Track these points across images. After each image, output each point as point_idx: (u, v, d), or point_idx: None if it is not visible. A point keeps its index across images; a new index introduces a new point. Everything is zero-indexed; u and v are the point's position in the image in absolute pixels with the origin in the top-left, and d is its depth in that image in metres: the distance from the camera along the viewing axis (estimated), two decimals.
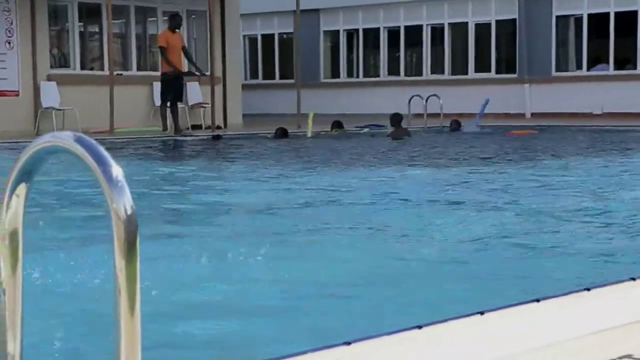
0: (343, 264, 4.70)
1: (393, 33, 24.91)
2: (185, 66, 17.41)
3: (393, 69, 24.99)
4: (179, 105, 16.97)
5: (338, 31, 25.80)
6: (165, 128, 16.58)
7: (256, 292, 4.07)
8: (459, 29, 23.96)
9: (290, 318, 3.64)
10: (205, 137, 16.00)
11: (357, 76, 25.67)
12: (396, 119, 15.82)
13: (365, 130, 17.42)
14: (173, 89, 16.45)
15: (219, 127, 18.04)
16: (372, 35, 25.32)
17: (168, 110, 16.76)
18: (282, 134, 15.82)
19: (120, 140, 14.47)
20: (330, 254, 4.99)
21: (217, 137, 15.83)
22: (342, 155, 12.24)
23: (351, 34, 25.77)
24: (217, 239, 5.53)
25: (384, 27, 24.99)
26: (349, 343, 2.53)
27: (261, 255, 4.72)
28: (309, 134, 16.18)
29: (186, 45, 17.28)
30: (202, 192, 8.32)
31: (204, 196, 7.92)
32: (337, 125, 17.16)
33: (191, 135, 16.20)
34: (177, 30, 16.73)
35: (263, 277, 4.32)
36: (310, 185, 8.34)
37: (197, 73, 17.36)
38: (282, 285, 4.18)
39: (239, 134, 16.93)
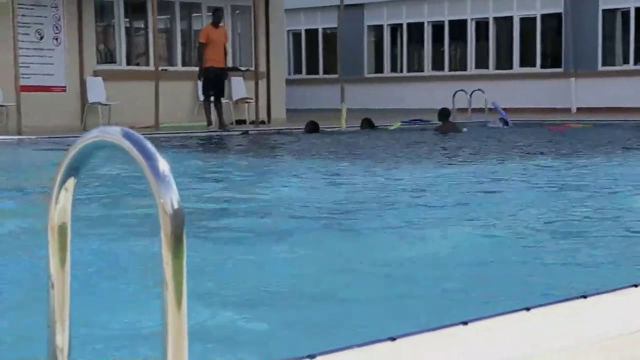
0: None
1: (437, 28, 24.79)
2: (228, 61, 17.47)
3: (437, 64, 24.86)
4: (223, 100, 17.05)
5: (382, 26, 25.73)
6: (209, 123, 16.66)
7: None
8: (504, 23, 23.77)
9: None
10: (243, 132, 16.06)
11: (401, 71, 25.58)
12: (444, 113, 15.67)
13: (395, 125, 16.98)
14: (214, 84, 16.52)
15: (262, 122, 18.10)
16: (416, 30, 25.21)
17: (212, 105, 16.86)
18: (312, 128, 15.82)
19: (165, 135, 14.57)
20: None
21: (245, 133, 15.89)
22: (407, 150, 12.19)
23: (395, 29, 25.68)
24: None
25: (428, 22, 24.86)
26: (393, 339, 2.53)
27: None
28: (343, 127, 16.17)
29: (228, 40, 17.22)
30: (270, 186, 8.28)
31: (278, 191, 7.88)
32: (367, 123, 16.79)
33: (233, 130, 16.27)
34: (220, 25, 16.79)
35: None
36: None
37: (241, 69, 17.41)
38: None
39: (286, 128, 16.95)
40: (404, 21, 25.26)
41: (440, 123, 15.71)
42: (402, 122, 18.09)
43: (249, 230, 5.66)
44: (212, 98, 16.70)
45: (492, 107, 18.08)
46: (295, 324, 3.43)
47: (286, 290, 4.02)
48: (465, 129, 15.37)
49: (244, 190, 8.00)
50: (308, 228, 5.69)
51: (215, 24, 16.75)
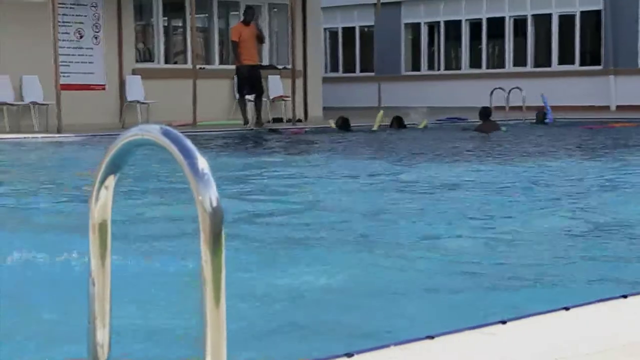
0: None
1: (475, 25, 24.65)
2: (263, 58, 17.49)
3: (475, 62, 24.72)
4: (253, 97, 17.14)
5: (419, 24, 25.64)
6: (246, 121, 16.69)
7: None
8: (542, 20, 23.57)
9: None
10: (275, 130, 16.11)
11: (438, 69, 25.48)
12: (485, 112, 15.50)
13: (423, 123, 16.73)
14: (248, 82, 16.56)
15: (299, 120, 18.12)
16: (453, 27, 25.09)
17: (249, 103, 16.91)
18: (343, 124, 15.81)
19: (202, 133, 14.64)
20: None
21: (273, 131, 15.90)
22: (448, 148, 12.14)
23: (432, 27, 25.57)
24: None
25: (466, 20, 24.74)
26: (432, 337, 2.52)
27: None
28: (375, 128, 16.12)
29: (261, 36, 17.18)
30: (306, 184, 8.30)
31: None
32: (398, 121, 16.59)
33: (267, 129, 16.27)
34: (251, 22, 16.82)
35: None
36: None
37: (278, 67, 17.41)
38: None
39: (321, 127, 16.95)
40: (442, 19, 25.14)
41: (480, 122, 15.57)
42: (439, 120, 18.00)
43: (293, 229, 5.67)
44: (247, 96, 16.74)
45: (542, 101, 17.88)
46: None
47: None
48: (504, 128, 15.25)
49: (282, 190, 7.99)
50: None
51: (247, 22, 16.79)
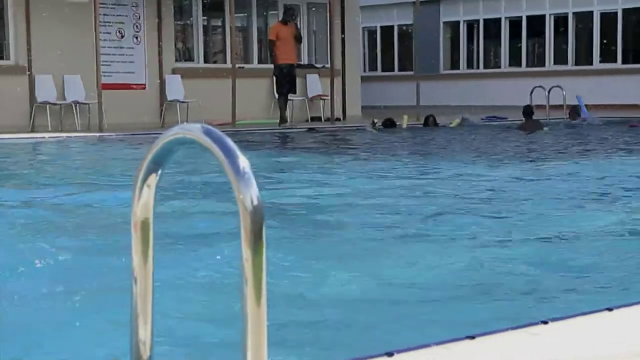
0: None
1: (515, 23, 24.48)
2: (302, 58, 17.51)
3: (514, 60, 24.55)
4: (293, 97, 17.13)
5: (458, 22, 25.52)
6: (284, 120, 16.71)
7: None
8: (584, 18, 23.34)
9: None
10: (311, 128, 16.11)
11: (477, 67, 25.34)
12: (528, 111, 15.36)
13: (454, 122, 16.58)
14: (288, 80, 16.59)
15: (337, 119, 18.11)
16: (493, 25, 24.94)
17: (289, 102, 16.96)
18: (390, 124, 15.86)
19: (241, 131, 14.69)
20: None
21: (311, 130, 15.91)
22: (499, 149, 12.08)
23: (471, 25, 25.44)
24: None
25: (506, 18, 24.57)
26: (472, 337, 2.51)
27: None
28: (404, 126, 16.10)
29: (298, 35, 17.20)
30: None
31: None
32: (431, 120, 16.48)
33: (302, 127, 16.27)
34: (289, 22, 16.84)
35: None
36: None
37: (317, 66, 17.39)
38: None
39: (359, 125, 16.94)
40: (481, 17, 25.00)
41: (522, 120, 15.44)
42: (480, 118, 17.90)
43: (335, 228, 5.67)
44: (287, 95, 16.78)
45: (577, 101, 17.73)
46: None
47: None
48: (546, 128, 15.11)
49: (320, 186, 7.99)
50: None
51: (285, 21, 16.81)
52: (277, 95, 17.33)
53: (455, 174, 8.63)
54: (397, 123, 16.09)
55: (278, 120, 16.69)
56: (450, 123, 16.53)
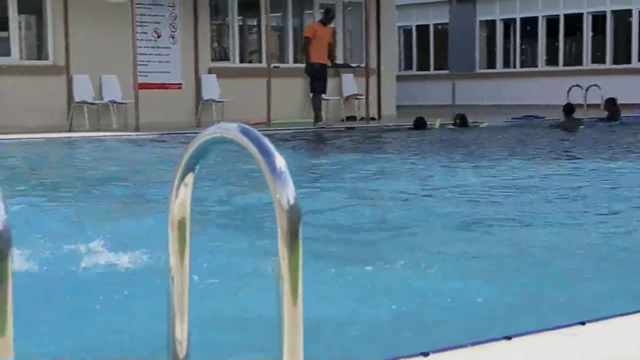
0: None
1: (552, 22, 24.28)
2: (337, 57, 17.49)
3: (551, 59, 24.36)
4: (328, 96, 17.10)
5: (494, 21, 25.37)
6: (318, 119, 16.69)
7: None
8: (622, 16, 23.08)
9: None
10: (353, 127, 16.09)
11: (514, 66, 25.17)
12: (569, 109, 15.19)
13: (483, 124, 16.42)
14: (322, 79, 16.58)
15: (372, 119, 18.08)
16: (529, 24, 24.76)
17: (323, 101, 16.95)
18: (461, 120, 15.79)
19: (276, 131, 14.71)
20: None
21: (350, 129, 15.88)
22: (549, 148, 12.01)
23: (508, 24, 25.28)
24: None
25: (543, 16, 24.39)
26: (509, 338, 2.49)
27: None
28: (437, 126, 15.99)
29: (333, 43, 17.23)
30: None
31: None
32: (460, 118, 16.30)
33: (331, 127, 16.25)
34: (328, 24, 16.83)
35: None
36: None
37: (352, 65, 17.36)
38: None
39: (394, 125, 16.90)
40: (518, 16, 24.84)
41: (560, 119, 15.28)
42: (514, 118, 17.77)
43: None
44: (322, 95, 16.77)
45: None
46: None
47: None
48: (582, 126, 14.98)
49: (364, 187, 7.94)
50: None
51: (324, 22, 16.80)
52: (311, 95, 17.32)
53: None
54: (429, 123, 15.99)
55: (313, 120, 16.68)
56: (482, 123, 16.32)
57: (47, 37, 16.07)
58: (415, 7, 25.97)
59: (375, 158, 10.94)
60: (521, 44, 25.10)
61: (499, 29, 25.33)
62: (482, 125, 16.20)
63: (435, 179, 8.27)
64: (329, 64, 16.81)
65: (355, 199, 6.91)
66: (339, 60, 18.78)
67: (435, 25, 26.24)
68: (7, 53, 15.73)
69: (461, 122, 16.10)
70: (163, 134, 14.19)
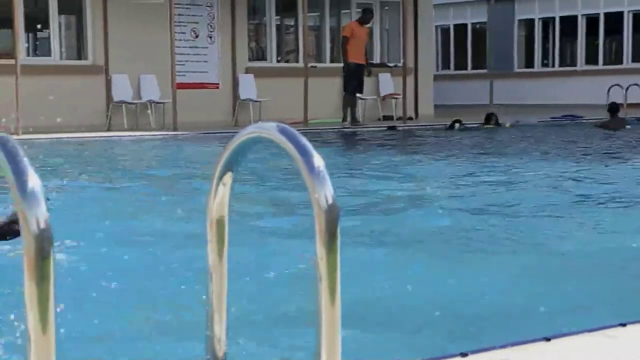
0: None
1: (591, 20, 24.04)
2: (374, 56, 17.46)
3: (591, 58, 24.12)
4: (364, 95, 17.06)
5: (533, 20, 25.18)
6: (345, 118, 16.67)
7: None
8: None
9: None
10: (384, 127, 16.04)
11: (553, 65, 24.96)
12: (614, 108, 15.00)
13: (507, 124, 16.17)
14: (357, 79, 16.57)
15: (410, 118, 18.03)
16: (569, 23, 24.54)
17: (358, 100, 16.93)
18: (494, 119, 15.73)
19: (313, 130, 14.71)
20: None
21: (392, 128, 15.84)
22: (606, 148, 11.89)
23: (547, 22, 25.08)
24: None
25: (582, 15, 24.15)
26: (548, 339, 2.47)
27: None
28: (507, 125, 15.86)
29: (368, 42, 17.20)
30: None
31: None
32: (490, 118, 16.09)
33: (367, 127, 16.22)
34: (365, 24, 16.82)
35: None
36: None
37: (389, 64, 17.29)
38: None
39: (430, 124, 16.83)
40: (557, 14, 24.63)
41: (602, 118, 15.10)
42: (552, 117, 17.61)
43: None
44: (356, 94, 16.75)
45: None
46: None
47: None
48: (629, 126, 14.79)
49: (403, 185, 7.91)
50: None
51: (362, 22, 16.79)
52: (343, 93, 17.30)
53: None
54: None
55: (349, 119, 16.65)
56: (505, 123, 16.16)
57: (87, 37, 16.22)
58: (453, 6, 25.85)
59: (411, 159, 10.89)
60: (560, 43, 24.89)
61: (538, 27, 25.14)
62: (506, 125, 15.99)
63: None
64: (366, 63, 16.81)
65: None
66: (376, 60, 18.75)
67: (473, 24, 26.10)
68: (48, 53, 15.92)
69: (495, 121, 16.04)
70: (201, 133, 14.24)
